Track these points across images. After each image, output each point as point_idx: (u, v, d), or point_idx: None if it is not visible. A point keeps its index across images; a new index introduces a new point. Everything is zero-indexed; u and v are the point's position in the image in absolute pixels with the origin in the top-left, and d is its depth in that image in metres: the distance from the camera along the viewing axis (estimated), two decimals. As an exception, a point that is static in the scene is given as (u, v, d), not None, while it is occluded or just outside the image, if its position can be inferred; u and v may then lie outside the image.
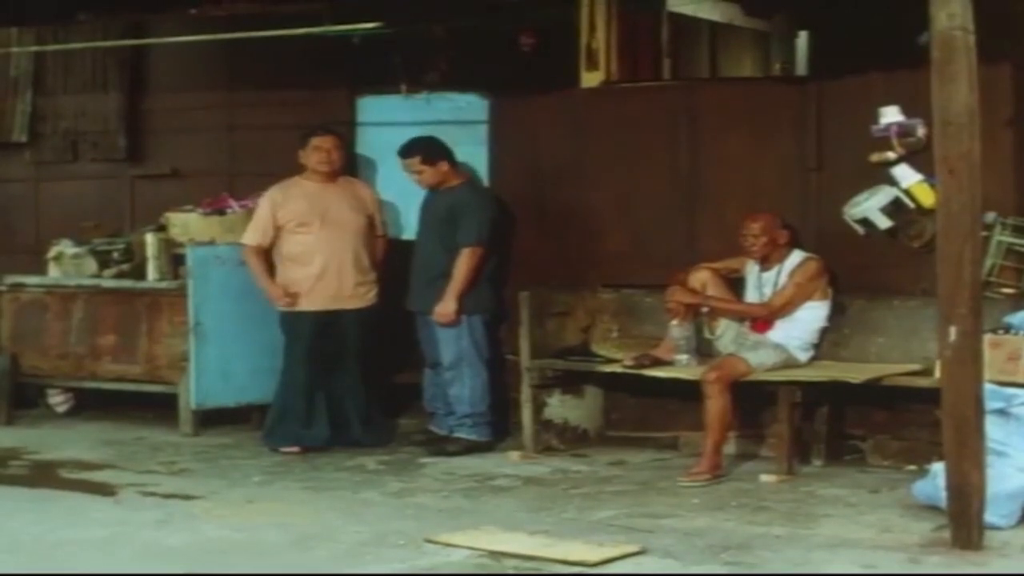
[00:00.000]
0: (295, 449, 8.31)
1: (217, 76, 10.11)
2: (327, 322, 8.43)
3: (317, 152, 8.47)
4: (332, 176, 8.55)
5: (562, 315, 8.53)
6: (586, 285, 8.67)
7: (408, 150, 8.42)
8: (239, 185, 9.56)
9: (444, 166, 8.36)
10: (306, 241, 8.41)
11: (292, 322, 8.46)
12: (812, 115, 8.17)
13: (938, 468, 6.25)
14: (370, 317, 8.55)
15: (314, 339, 8.42)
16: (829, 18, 10.61)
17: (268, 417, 8.56)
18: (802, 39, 12.09)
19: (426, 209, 8.51)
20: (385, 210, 8.86)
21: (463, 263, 8.20)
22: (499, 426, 8.56)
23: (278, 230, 8.46)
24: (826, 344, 7.91)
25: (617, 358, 8.16)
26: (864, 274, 7.93)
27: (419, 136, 8.52)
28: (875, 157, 7.78)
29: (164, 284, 9.20)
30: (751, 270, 7.92)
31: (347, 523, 6.58)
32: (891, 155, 7.72)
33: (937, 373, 6.44)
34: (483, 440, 8.33)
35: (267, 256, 8.51)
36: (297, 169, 8.59)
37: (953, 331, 5.82)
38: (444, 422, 8.46)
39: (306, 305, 8.42)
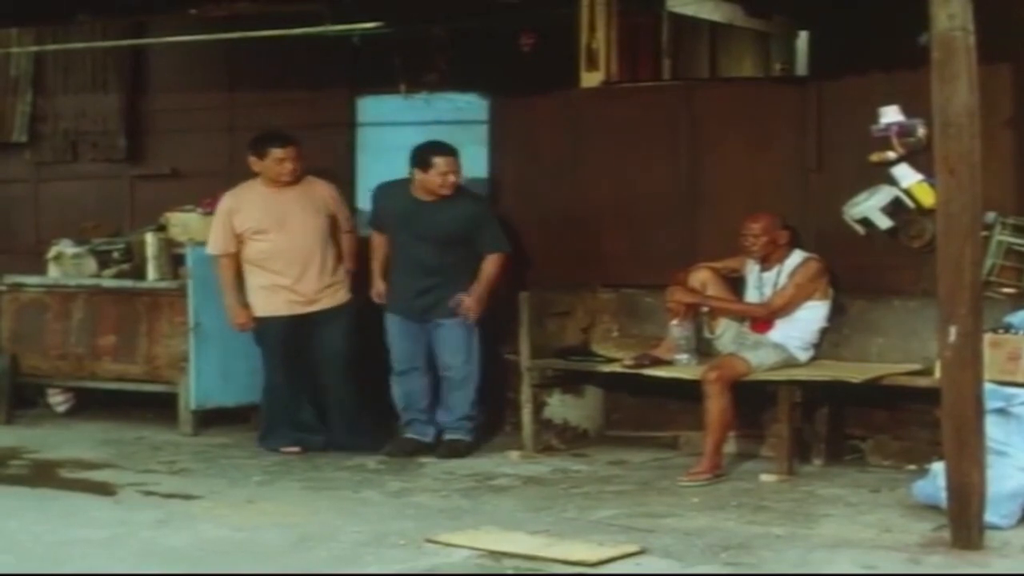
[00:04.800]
0: (295, 449, 8.28)
1: (217, 76, 10.11)
2: (296, 327, 8.29)
3: (279, 164, 8.25)
4: (291, 181, 8.34)
5: (562, 315, 8.53)
6: (586, 285, 8.66)
7: (451, 148, 8.11)
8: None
9: None
10: (264, 248, 8.25)
11: (261, 329, 8.35)
12: (812, 115, 8.17)
13: (938, 468, 6.25)
14: (343, 315, 8.37)
15: (285, 345, 8.30)
16: (829, 18, 10.60)
17: (260, 423, 8.55)
18: (802, 39, 12.08)
19: (412, 223, 8.14)
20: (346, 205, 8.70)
21: (496, 266, 8.13)
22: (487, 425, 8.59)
23: (238, 237, 8.29)
24: (826, 344, 7.91)
25: (617, 358, 8.17)
26: (864, 274, 7.93)
27: (437, 139, 8.29)
28: (875, 157, 7.78)
29: (164, 284, 9.20)
30: (751, 270, 7.92)
31: (347, 523, 6.58)
32: (891, 155, 7.72)
33: (937, 373, 6.44)
34: (475, 442, 8.30)
35: (238, 263, 8.35)
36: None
37: (953, 331, 5.82)
38: (426, 429, 8.30)
39: (272, 311, 8.29)
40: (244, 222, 8.26)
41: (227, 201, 8.39)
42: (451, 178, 8.04)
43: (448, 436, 8.24)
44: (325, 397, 8.43)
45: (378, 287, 8.36)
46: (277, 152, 8.25)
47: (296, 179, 8.31)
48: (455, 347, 8.16)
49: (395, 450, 8.21)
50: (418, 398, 8.30)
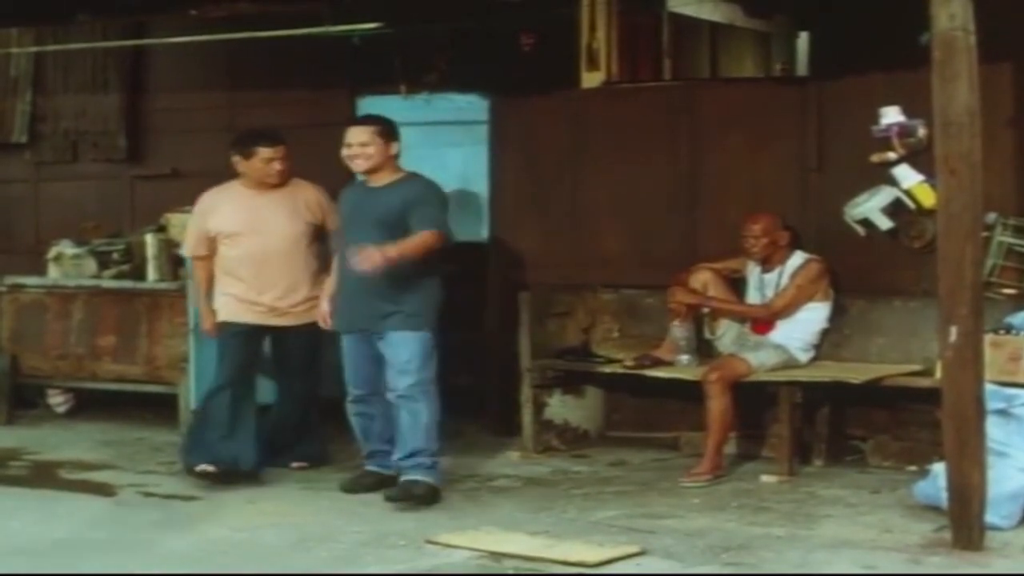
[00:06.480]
0: (210, 468, 7.43)
1: (217, 76, 10.11)
2: (260, 338, 7.78)
3: (267, 164, 7.67)
4: (276, 183, 7.77)
5: (563, 315, 8.52)
6: (586, 285, 8.66)
7: (366, 118, 7.43)
8: (239, 185, 9.55)
9: (395, 149, 7.18)
10: (235, 255, 7.68)
11: (222, 334, 7.75)
12: (813, 115, 8.17)
13: (939, 469, 6.25)
14: (314, 333, 7.67)
15: (244, 355, 7.69)
16: (829, 18, 10.60)
17: (185, 433, 7.96)
18: (803, 39, 12.08)
19: (359, 210, 7.20)
20: None
21: (423, 238, 6.93)
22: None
23: (212, 240, 7.76)
24: (827, 345, 7.90)
25: (618, 358, 8.16)
26: (865, 275, 7.93)
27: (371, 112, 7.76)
28: (876, 157, 7.77)
29: (164, 284, 9.20)
30: (752, 271, 7.91)
31: (347, 523, 6.57)
32: (892, 155, 7.72)
33: (938, 374, 6.43)
34: (438, 485, 7.09)
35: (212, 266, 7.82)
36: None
37: (954, 331, 5.81)
38: (389, 462, 7.25)
39: (235, 316, 7.68)
40: (217, 224, 7.72)
41: (204, 201, 7.88)
42: (369, 149, 7.11)
43: (404, 476, 7.02)
44: (277, 412, 7.96)
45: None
46: (265, 152, 7.70)
47: (282, 181, 7.77)
48: (402, 364, 7.01)
49: (354, 486, 7.33)
50: (377, 427, 7.30)
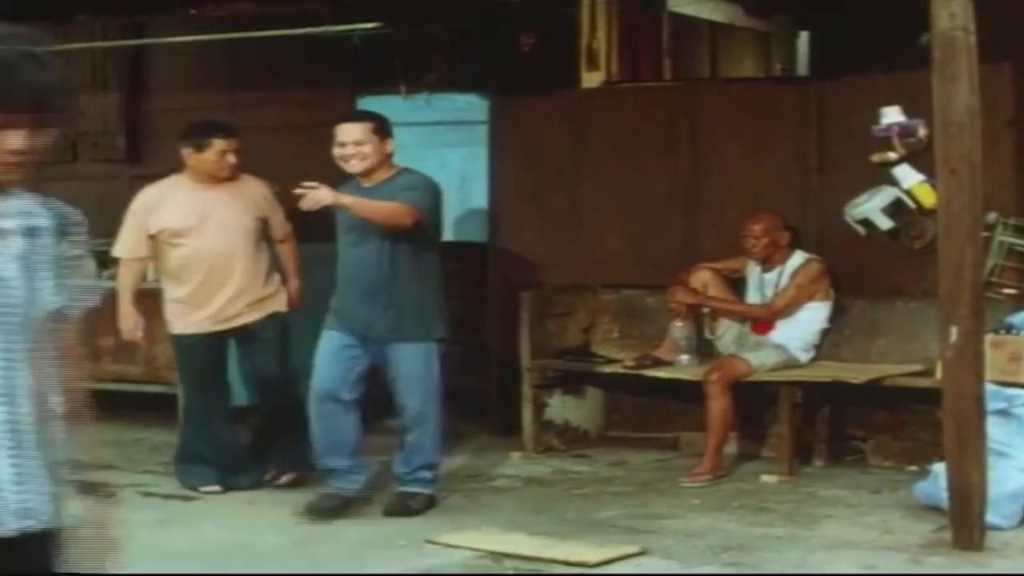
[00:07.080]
0: (216, 488, 7.32)
1: (217, 76, 10.10)
2: (219, 345, 7.40)
3: (221, 157, 7.28)
4: (227, 177, 7.38)
5: (563, 315, 8.52)
6: (586, 285, 8.66)
7: (359, 115, 7.11)
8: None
9: (390, 147, 6.81)
10: (182, 254, 7.25)
11: (178, 348, 7.46)
12: (813, 115, 8.17)
13: (939, 469, 6.24)
14: (273, 329, 7.37)
15: (205, 366, 7.38)
16: (829, 18, 10.60)
17: (176, 456, 7.62)
18: (803, 39, 12.08)
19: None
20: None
21: (390, 204, 6.57)
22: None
23: (153, 240, 7.31)
24: (827, 345, 7.90)
25: (618, 359, 8.16)
26: (865, 275, 7.93)
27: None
28: (876, 157, 7.75)
29: (164, 284, 9.18)
30: (752, 271, 7.91)
31: (347, 523, 6.57)
32: (892, 155, 7.69)
33: (938, 374, 6.43)
34: (437, 496, 6.94)
35: (144, 269, 7.51)
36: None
37: (954, 332, 5.81)
38: (351, 477, 6.85)
39: (189, 328, 7.32)
40: (161, 222, 7.26)
41: (144, 197, 7.40)
42: (365, 148, 6.75)
43: (403, 488, 6.84)
44: (262, 421, 7.80)
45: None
46: (220, 144, 7.30)
47: (233, 175, 7.38)
48: (413, 381, 6.73)
49: (316, 509, 6.76)
50: (343, 437, 6.81)
